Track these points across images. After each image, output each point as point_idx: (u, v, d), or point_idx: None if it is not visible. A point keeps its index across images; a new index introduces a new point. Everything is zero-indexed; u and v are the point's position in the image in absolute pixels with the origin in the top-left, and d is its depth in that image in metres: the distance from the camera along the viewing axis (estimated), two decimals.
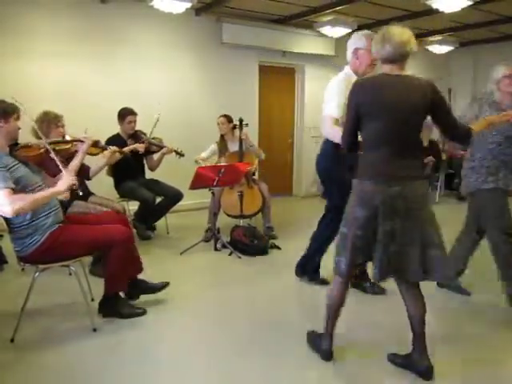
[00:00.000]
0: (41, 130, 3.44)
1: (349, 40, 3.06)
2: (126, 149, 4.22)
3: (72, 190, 2.63)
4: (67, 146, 3.32)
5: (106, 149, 3.79)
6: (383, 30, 2.12)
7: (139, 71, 5.67)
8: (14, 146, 2.65)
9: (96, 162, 3.80)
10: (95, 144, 3.59)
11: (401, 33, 2.08)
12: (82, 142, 3.32)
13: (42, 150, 2.86)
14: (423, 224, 2.10)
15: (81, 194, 2.69)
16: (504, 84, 2.87)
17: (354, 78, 2.90)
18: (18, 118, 2.61)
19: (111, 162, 3.92)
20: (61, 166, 2.65)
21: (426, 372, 2.20)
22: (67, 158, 3.29)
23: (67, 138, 3.53)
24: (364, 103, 2.12)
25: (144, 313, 2.92)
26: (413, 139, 2.15)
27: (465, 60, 8.60)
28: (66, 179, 2.54)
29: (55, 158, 2.69)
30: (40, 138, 2.92)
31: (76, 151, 3.31)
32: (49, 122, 3.53)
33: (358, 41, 2.98)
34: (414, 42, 2.10)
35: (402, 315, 2.26)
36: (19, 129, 2.65)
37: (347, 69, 3.07)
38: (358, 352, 2.49)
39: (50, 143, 2.96)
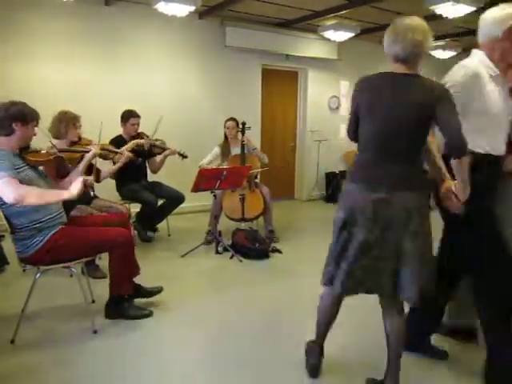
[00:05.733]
0: (58, 130, 3.44)
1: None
2: (130, 144, 4.22)
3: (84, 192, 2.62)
4: (76, 156, 3.28)
5: (116, 153, 3.80)
6: (396, 23, 1.90)
7: (142, 73, 5.68)
8: (23, 149, 2.64)
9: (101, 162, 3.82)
10: (105, 149, 3.58)
11: (414, 29, 1.85)
12: (89, 151, 3.22)
13: (51, 157, 2.86)
14: (406, 239, 1.88)
15: (92, 194, 2.69)
16: None
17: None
18: (35, 126, 2.64)
19: (121, 165, 3.95)
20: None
21: None
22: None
23: (81, 140, 3.56)
24: (361, 104, 1.96)
25: (150, 314, 2.91)
26: (409, 145, 1.90)
27: None
28: (78, 184, 2.49)
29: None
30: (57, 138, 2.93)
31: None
32: (67, 121, 3.52)
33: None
34: (429, 39, 1.89)
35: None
36: (35, 134, 2.67)
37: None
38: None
39: (61, 151, 2.98)
